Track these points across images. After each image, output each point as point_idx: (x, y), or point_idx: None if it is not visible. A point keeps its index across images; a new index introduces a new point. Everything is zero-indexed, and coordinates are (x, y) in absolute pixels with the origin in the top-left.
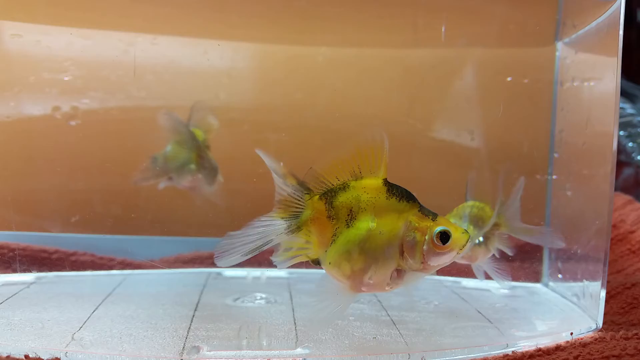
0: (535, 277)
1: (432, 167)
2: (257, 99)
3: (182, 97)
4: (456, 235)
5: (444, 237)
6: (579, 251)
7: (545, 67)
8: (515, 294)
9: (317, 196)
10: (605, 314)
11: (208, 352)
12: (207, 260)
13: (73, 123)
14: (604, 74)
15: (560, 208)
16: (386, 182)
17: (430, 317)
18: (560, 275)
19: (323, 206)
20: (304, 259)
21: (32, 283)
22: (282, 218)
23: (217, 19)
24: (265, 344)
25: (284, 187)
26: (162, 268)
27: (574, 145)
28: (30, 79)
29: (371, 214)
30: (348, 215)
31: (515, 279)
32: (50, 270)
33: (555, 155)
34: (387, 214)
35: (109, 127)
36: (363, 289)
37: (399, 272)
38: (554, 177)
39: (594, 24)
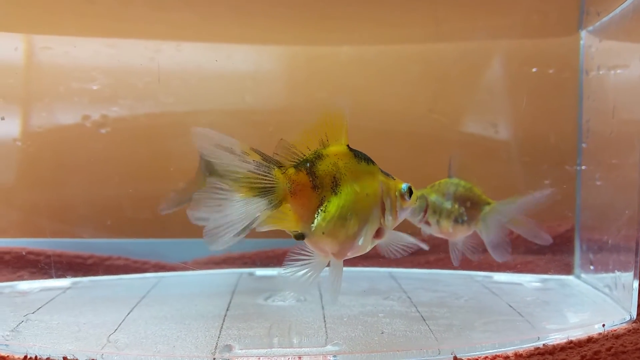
0: (567, 270)
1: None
2: (281, 100)
3: (208, 101)
4: (414, 191)
5: (410, 192)
6: (610, 242)
7: (570, 57)
8: (546, 286)
9: (293, 168)
10: (638, 305)
11: (240, 351)
12: (238, 261)
13: (103, 131)
14: (630, 60)
15: (590, 198)
16: (350, 148)
17: (461, 312)
18: (592, 267)
19: (305, 177)
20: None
21: (68, 288)
22: (255, 196)
23: (240, 23)
24: (295, 342)
25: (242, 164)
26: (194, 270)
27: (602, 134)
28: (60, 89)
29: (351, 178)
30: (332, 182)
31: (546, 271)
32: (86, 275)
33: (584, 145)
34: (363, 177)
35: (138, 133)
36: (349, 254)
37: (379, 231)
38: (583, 167)
39: (618, 10)
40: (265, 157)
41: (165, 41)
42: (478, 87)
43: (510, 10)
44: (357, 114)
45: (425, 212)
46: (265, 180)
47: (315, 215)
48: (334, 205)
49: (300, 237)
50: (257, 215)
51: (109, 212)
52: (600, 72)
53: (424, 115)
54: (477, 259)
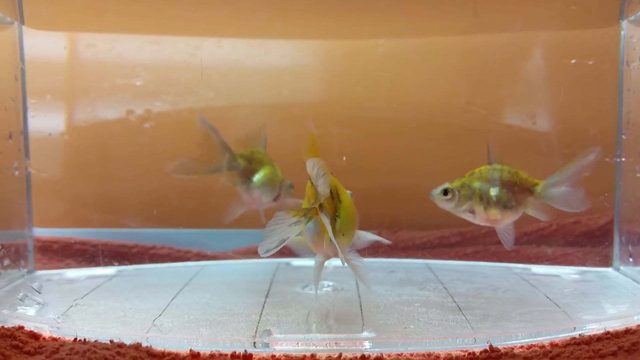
0: (606, 262)
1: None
2: (319, 94)
3: (247, 96)
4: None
5: None
6: None
7: (610, 47)
8: (585, 278)
9: None
10: None
11: (279, 335)
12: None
13: (147, 125)
14: None
15: (629, 190)
16: None
17: (497, 302)
18: (631, 259)
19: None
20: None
21: (113, 276)
22: (304, 215)
23: (277, 18)
24: (332, 328)
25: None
26: (235, 259)
27: None
28: (105, 85)
29: (338, 187)
30: (336, 192)
31: (585, 263)
32: (131, 263)
33: (623, 137)
34: (338, 184)
35: (180, 128)
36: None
37: None
38: (623, 159)
39: None
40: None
41: (206, 37)
42: (517, 78)
43: (550, 0)
44: (395, 107)
45: (471, 200)
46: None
47: (335, 220)
48: (344, 210)
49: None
50: (297, 229)
51: (154, 203)
52: None
53: (463, 107)
54: (510, 246)
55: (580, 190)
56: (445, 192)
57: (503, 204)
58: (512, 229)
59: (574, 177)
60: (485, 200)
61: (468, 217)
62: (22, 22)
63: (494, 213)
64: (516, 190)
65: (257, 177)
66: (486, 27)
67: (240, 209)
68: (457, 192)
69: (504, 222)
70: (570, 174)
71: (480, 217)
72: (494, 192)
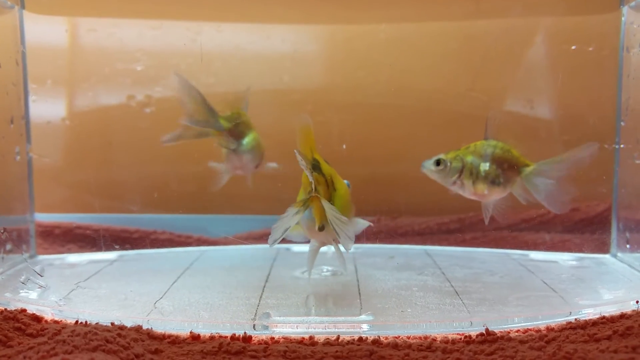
0: (604, 248)
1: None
2: (319, 79)
3: (247, 81)
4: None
5: None
6: None
7: (611, 34)
8: (582, 264)
9: (315, 172)
10: None
11: (278, 318)
12: None
13: (148, 110)
14: None
15: (627, 177)
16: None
17: (494, 287)
18: (628, 246)
19: (323, 179)
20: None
21: (114, 260)
22: (303, 204)
23: (278, 3)
24: (331, 311)
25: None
26: (237, 244)
27: None
28: (105, 70)
29: (333, 175)
30: (331, 180)
31: (583, 249)
32: (132, 248)
33: (622, 123)
34: (334, 173)
35: (181, 113)
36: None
37: None
38: (622, 145)
39: None
40: (312, 165)
41: (207, 22)
42: (518, 65)
43: None
44: (396, 93)
45: (461, 173)
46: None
47: None
48: (339, 198)
49: (322, 228)
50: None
51: (155, 189)
52: None
53: (464, 93)
54: (506, 221)
55: (565, 192)
56: (438, 162)
57: (491, 180)
58: (494, 206)
59: (567, 168)
60: (474, 174)
61: (456, 189)
62: (22, 6)
63: (482, 187)
64: (505, 168)
65: (246, 141)
66: (487, 12)
67: (227, 175)
68: (448, 164)
69: (490, 198)
70: (564, 164)
71: (468, 191)
72: (484, 167)
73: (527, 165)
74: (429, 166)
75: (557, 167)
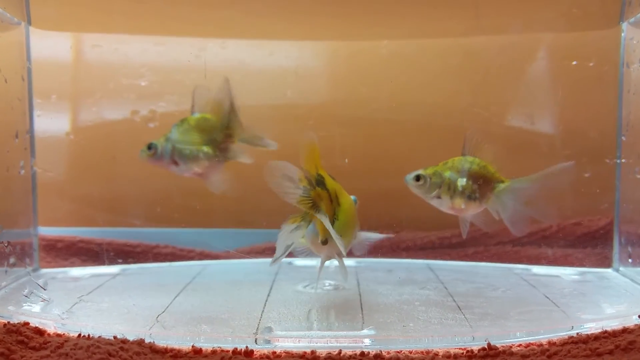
0: (606, 263)
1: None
2: (322, 94)
3: (251, 97)
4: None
5: None
6: None
7: (611, 49)
8: (585, 279)
9: (318, 187)
10: None
11: (280, 332)
12: None
13: (152, 125)
14: None
15: (629, 192)
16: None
17: (497, 302)
18: (630, 260)
19: (326, 193)
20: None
21: (117, 274)
22: (303, 219)
23: (282, 19)
24: (333, 326)
25: (296, 190)
26: (240, 257)
27: None
28: (110, 85)
29: (338, 190)
30: (335, 195)
31: (585, 264)
32: (135, 262)
33: (623, 138)
34: (339, 188)
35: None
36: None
37: None
38: (623, 160)
39: None
40: (308, 179)
41: (211, 39)
42: (518, 80)
43: (551, 3)
44: (397, 108)
45: (440, 188)
46: (307, 200)
47: (333, 223)
48: (343, 214)
49: (325, 242)
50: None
51: (158, 203)
52: None
53: (465, 108)
54: (492, 230)
55: (526, 216)
56: (418, 178)
57: (468, 195)
58: (473, 219)
59: (541, 187)
60: (452, 189)
61: (436, 203)
62: (29, 22)
63: (459, 202)
64: (481, 184)
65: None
66: (488, 29)
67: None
68: (428, 179)
69: (468, 212)
70: (538, 183)
71: (446, 205)
72: (461, 182)
73: (502, 182)
74: (410, 181)
75: (531, 186)
